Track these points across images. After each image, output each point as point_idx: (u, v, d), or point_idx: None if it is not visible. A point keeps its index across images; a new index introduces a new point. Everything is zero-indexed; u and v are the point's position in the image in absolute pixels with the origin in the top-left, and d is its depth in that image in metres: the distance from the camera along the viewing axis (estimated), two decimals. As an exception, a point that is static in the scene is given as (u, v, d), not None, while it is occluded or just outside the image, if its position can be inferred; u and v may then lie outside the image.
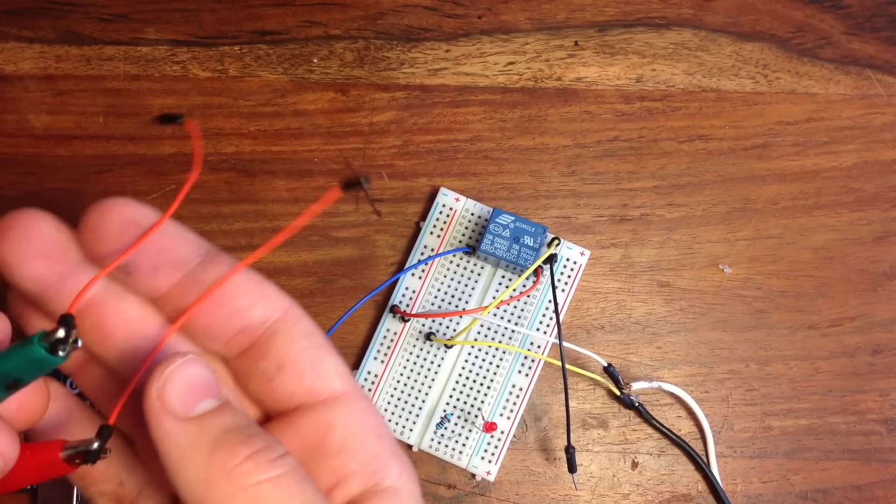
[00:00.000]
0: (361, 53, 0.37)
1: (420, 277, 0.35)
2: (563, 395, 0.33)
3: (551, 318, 0.35)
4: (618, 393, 0.34)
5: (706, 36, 0.37)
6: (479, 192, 0.36)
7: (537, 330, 0.35)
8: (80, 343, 0.16)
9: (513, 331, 0.35)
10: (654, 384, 0.34)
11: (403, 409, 0.34)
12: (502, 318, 0.35)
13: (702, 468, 0.34)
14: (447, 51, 0.37)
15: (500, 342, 0.34)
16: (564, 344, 0.34)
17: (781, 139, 0.37)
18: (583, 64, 0.37)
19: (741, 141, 0.37)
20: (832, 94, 0.37)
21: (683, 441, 0.34)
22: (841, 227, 0.36)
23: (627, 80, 0.37)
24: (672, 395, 0.35)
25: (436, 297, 0.35)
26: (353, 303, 0.35)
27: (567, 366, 0.34)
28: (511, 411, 0.34)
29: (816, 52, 0.37)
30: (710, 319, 0.35)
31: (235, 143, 0.36)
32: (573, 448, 0.32)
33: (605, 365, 0.34)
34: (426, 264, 0.35)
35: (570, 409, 0.35)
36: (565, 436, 0.34)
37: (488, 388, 0.34)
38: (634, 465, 0.34)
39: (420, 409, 0.34)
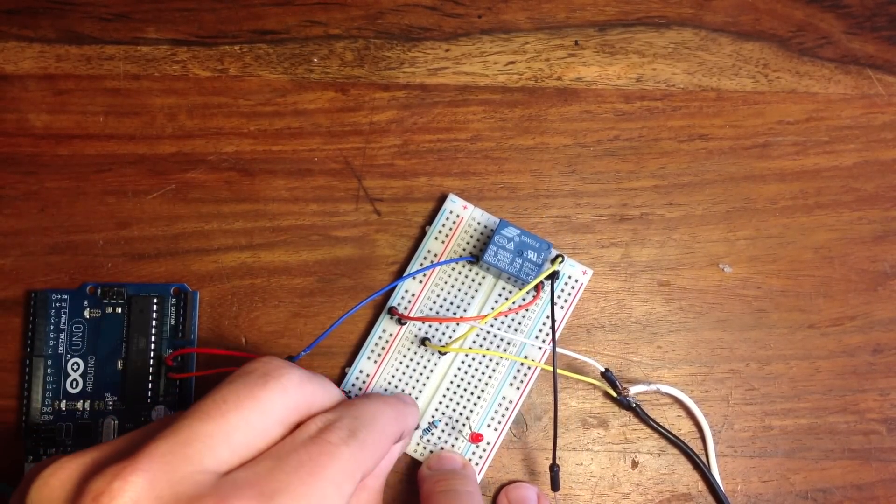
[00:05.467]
0: (361, 53, 0.37)
1: (421, 282, 0.35)
2: (559, 399, 0.33)
3: (548, 334, 0.34)
4: (616, 396, 0.34)
5: (706, 35, 0.37)
6: (480, 191, 0.36)
7: (532, 346, 0.34)
8: None
9: (508, 343, 0.34)
10: (653, 387, 0.34)
11: (392, 412, 0.34)
12: (499, 328, 0.34)
13: (701, 468, 0.34)
14: (447, 50, 0.37)
15: (494, 351, 0.34)
16: (561, 350, 0.34)
17: (782, 138, 0.37)
18: (583, 63, 0.37)
19: (741, 140, 0.37)
20: (832, 93, 0.37)
21: (682, 441, 0.34)
22: (841, 226, 0.36)
23: (627, 80, 0.37)
24: (671, 396, 0.35)
25: (434, 302, 0.35)
26: (354, 303, 0.35)
27: (564, 371, 0.34)
28: (499, 423, 0.34)
29: (817, 51, 0.37)
30: (710, 319, 0.35)
31: (235, 143, 0.36)
32: (558, 466, 0.32)
33: (603, 370, 0.34)
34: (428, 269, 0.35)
35: (570, 407, 0.35)
36: (564, 437, 0.34)
37: (478, 398, 0.34)
38: (634, 464, 0.34)
39: (408, 412, 0.34)
